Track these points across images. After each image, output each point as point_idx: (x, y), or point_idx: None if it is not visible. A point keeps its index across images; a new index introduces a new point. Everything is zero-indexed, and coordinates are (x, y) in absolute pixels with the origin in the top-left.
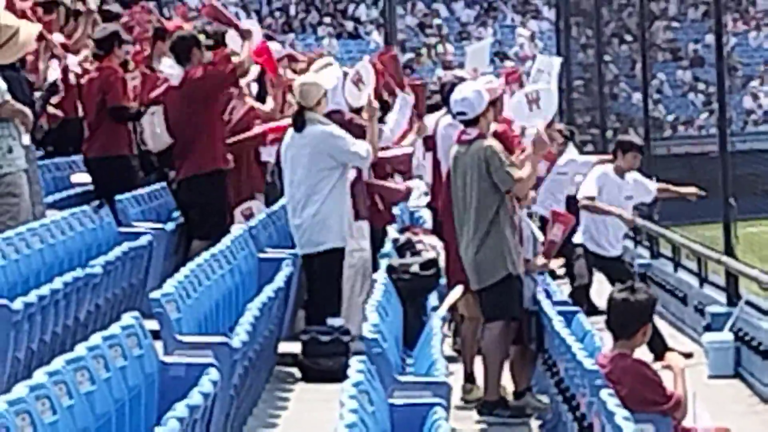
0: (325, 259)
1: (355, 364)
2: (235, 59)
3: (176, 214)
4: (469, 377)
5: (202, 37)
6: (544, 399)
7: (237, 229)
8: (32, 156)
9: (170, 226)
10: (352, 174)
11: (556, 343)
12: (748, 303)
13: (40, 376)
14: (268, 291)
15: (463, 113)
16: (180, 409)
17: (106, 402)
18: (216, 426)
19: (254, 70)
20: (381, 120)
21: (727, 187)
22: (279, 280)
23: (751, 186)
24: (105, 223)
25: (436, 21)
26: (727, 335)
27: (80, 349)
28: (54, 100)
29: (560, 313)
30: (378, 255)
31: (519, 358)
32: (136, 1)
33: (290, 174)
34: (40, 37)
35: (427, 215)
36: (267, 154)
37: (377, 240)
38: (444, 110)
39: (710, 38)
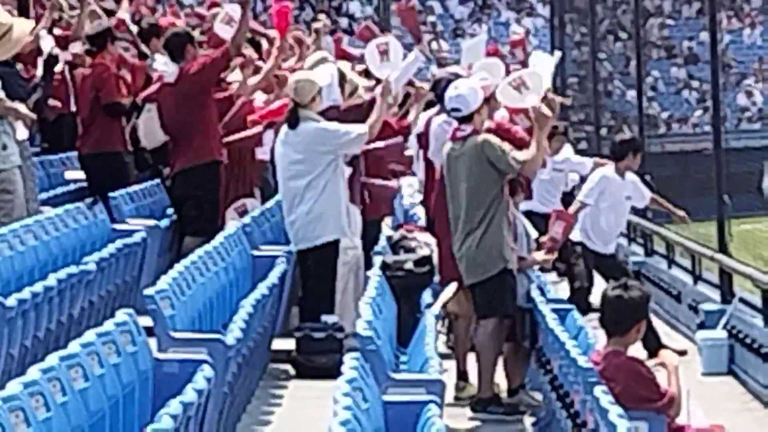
0: (320, 254)
1: (349, 361)
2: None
3: (170, 211)
4: (462, 375)
5: (195, 33)
6: (538, 396)
7: (231, 226)
8: (26, 153)
9: (164, 222)
10: (348, 171)
11: (549, 340)
12: (742, 300)
13: (33, 372)
14: (262, 288)
15: (457, 109)
16: (174, 405)
17: (100, 399)
18: (210, 422)
19: None
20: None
21: (721, 185)
22: (273, 277)
23: (745, 183)
24: (99, 219)
25: (431, 18)
26: (720, 333)
27: (74, 346)
28: (58, 67)
29: (554, 310)
30: (372, 252)
31: (512, 355)
32: None
33: (284, 171)
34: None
35: (421, 212)
36: (262, 152)
37: (371, 234)
38: (436, 108)
39: (704, 35)
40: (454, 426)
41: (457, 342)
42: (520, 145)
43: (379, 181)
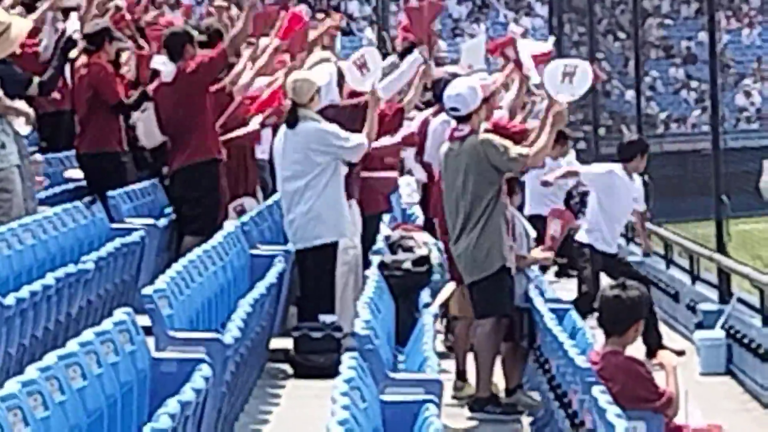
0: (318, 254)
1: (347, 360)
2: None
3: (168, 210)
4: (461, 375)
5: (195, 33)
6: (536, 396)
7: (229, 225)
8: (25, 152)
9: (162, 222)
10: (345, 169)
11: (547, 339)
12: (740, 300)
13: (32, 371)
14: (260, 287)
15: (456, 109)
16: (172, 405)
17: (98, 398)
18: (207, 422)
19: None
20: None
21: (720, 185)
22: (271, 277)
23: (744, 183)
24: (97, 219)
25: None
26: (718, 332)
27: (72, 345)
28: (73, 53)
29: (552, 310)
30: (369, 251)
31: (510, 354)
32: None
33: (283, 170)
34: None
35: (419, 212)
36: (260, 152)
37: (369, 231)
38: (434, 109)
39: (703, 35)
40: (452, 426)
41: (457, 342)
42: (520, 138)
43: (377, 174)
